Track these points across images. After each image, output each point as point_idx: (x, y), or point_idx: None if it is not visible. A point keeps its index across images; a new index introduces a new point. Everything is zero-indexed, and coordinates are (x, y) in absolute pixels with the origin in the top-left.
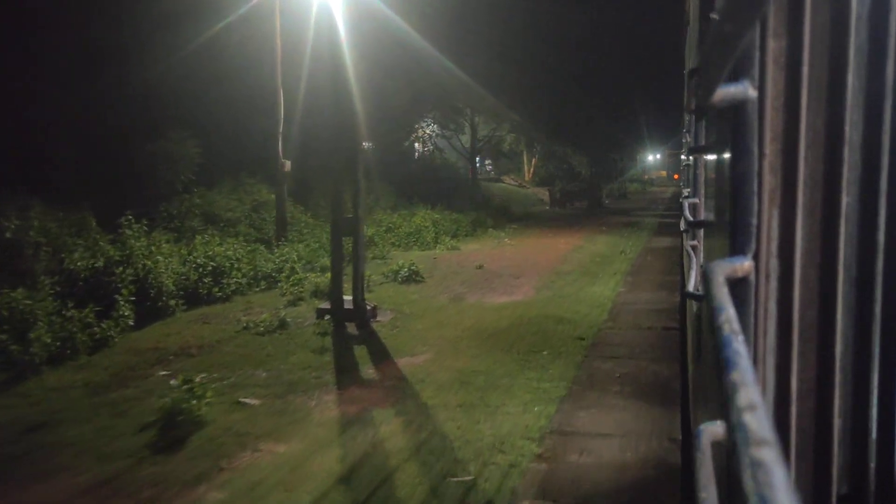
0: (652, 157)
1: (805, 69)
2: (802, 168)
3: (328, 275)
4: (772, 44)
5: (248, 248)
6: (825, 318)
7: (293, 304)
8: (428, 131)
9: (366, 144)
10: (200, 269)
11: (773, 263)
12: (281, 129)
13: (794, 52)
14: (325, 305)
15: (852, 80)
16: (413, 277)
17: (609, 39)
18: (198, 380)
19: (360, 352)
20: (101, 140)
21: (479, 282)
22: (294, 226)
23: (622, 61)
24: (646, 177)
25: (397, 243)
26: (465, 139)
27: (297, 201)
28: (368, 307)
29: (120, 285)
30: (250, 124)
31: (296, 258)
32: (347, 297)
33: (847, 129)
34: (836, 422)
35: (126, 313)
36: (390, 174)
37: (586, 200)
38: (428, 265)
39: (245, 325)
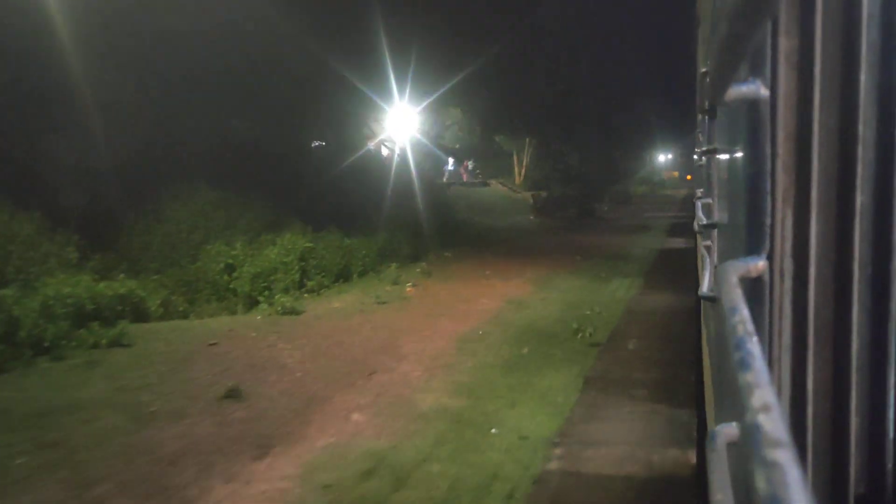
0: (663, 158)
1: (817, 67)
2: (816, 167)
3: None
4: (783, 42)
5: None
6: (840, 318)
7: None
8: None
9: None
10: None
11: (788, 263)
12: None
13: (806, 50)
14: None
15: (865, 77)
16: None
17: (614, 30)
18: None
19: None
20: None
21: None
22: None
23: (626, 52)
24: (656, 178)
25: (232, 289)
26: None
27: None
28: None
29: None
30: None
31: None
32: None
33: (860, 126)
34: (853, 421)
35: None
36: (270, 179)
37: (575, 209)
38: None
39: None
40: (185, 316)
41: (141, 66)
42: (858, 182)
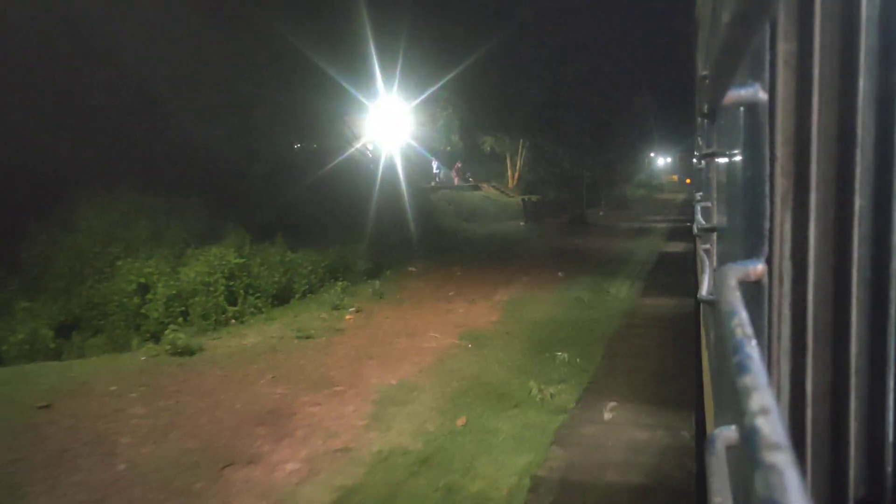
0: (663, 161)
1: (815, 71)
2: (814, 170)
3: None
4: (782, 46)
5: None
6: (840, 321)
7: None
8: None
9: None
10: None
11: (787, 266)
12: None
13: (805, 54)
14: None
15: (863, 81)
16: None
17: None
18: None
19: None
20: None
21: None
22: None
23: (625, 55)
24: (655, 181)
25: (144, 314)
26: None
27: None
28: None
29: None
30: None
31: None
32: None
33: (859, 130)
34: (852, 425)
35: None
36: (211, 184)
37: (567, 214)
38: None
39: None
40: (57, 355)
41: (54, 49)
42: (857, 186)
